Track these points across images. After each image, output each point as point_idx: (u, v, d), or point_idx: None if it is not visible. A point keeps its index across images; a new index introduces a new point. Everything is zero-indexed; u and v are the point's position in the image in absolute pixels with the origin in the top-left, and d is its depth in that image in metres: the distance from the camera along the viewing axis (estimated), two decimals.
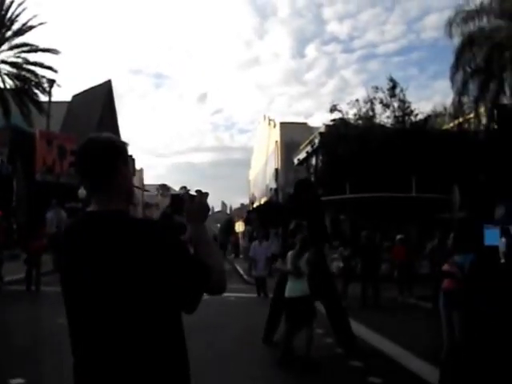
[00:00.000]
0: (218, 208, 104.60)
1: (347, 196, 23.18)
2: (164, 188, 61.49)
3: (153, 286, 2.07)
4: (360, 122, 28.64)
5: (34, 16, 34.04)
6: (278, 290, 9.91)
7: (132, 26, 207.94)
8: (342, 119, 28.58)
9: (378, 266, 15.93)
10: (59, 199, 26.08)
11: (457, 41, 24.46)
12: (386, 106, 28.62)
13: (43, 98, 34.70)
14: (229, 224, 66.76)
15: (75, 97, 47.50)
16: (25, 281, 16.56)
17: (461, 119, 25.90)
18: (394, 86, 28.33)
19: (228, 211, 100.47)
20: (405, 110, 28.43)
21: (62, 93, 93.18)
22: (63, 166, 34.60)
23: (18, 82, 34.25)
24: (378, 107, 28.87)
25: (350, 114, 28.81)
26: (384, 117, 28.99)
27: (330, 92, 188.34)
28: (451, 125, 27.62)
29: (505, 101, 24.04)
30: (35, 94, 34.51)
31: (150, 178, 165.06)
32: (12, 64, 34.13)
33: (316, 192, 13.08)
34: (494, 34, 22.82)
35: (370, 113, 28.84)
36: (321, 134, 31.34)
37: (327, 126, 29.94)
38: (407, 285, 16.46)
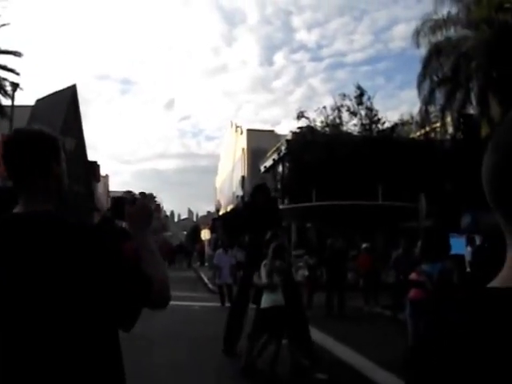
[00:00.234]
0: (184, 215, 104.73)
1: (313, 204, 22.99)
2: (129, 195, 60.85)
3: (80, 299, 1.78)
4: (327, 129, 28.55)
5: None
6: (238, 299, 9.63)
7: (99, 31, 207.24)
8: (308, 126, 28.44)
9: (344, 275, 15.80)
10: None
11: (424, 50, 24.57)
12: (353, 113, 28.55)
13: (6, 101, 34.02)
14: (195, 232, 66.36)
15: (39, 101, 46.83)
16: None
17: (427, 128, 26.00)
18: (361, 93, 28.31)
19: (194, 218, 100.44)
20: (372, 118, 28.44)
21: (26, 97, 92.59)
22: None
23: None
24: (346, 115, 28.81)
25: (318, 121, 28.72)
26: (351, 124, 28.96)
27: (298, 100, 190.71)
28: (418, 133, 27.71)
29: (471, 110, 24.17)
30: None
31: (116, 184, 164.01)
32: None
33: (273, 197, 12.94)
34: (461, 44, 22.90)
35: (337, 120, 28.76)
36: (287, 141, 31.19)
37: (294, 134, 29.78)
38: (373, 294, 16.31)
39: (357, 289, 16.63)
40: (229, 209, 50.56)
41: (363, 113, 28.55)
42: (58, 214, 1.98)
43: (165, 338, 9.79)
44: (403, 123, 28.50)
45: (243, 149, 51.02)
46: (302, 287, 13.96)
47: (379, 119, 28.54)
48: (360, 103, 28.37)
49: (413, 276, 7.84)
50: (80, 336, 1.79)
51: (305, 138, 27.87)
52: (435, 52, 23.92)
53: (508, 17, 21.56)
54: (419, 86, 24.63)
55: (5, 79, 33.69)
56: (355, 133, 28.66)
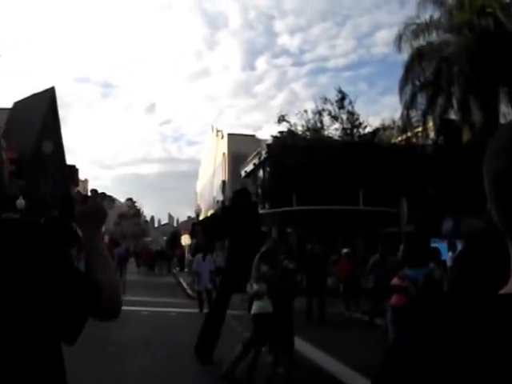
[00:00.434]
0: (164, 220, 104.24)
1: (294, 208, 22.80)
2: (108, 199, 60.46)
3: (16, 307, 1.52)
4: (308, 133, 28.36)
5: None
6: (217, 305, 9.35)
7: (79, 33, 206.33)
8: (289, 131, 28.22)
9: (324, 281, 15.59)
10: None
11: (406, 55, 24.55)
12: (335, 117, 28.42)
13: None
14: (175, 237, 65.98)
15: (17, 103, 46.49)
16: None
17: (409, 133, 25.94)
18: (342, 97, 28.16)
19: (175, 224, 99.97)
20: (353, 122, 28.31)
21: (4, 99, 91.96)
22: None
23: None
24: (327, 119, 28.65)
25: (299, 125, 28.52)
26: (332, 129, 28.80)
27: (280, 105, 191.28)
28: (399, 138, 27.64)
29: (452, 115, 24.18)
30: None
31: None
32: None
33: (254, 202, 12.81)
34: (443, 48, 22.90)
35: (319, 125, 28.57)
36: (268, 145, 30.97)
37: (274, 138, 29.53)
38: (353, 299, 16.12)
39: (337, 294, 16.42)
40: (209, 214, 50.29)
41: (344, 117, 28.42)
42: None
43: (139, 344, 9.47)
44: (385, 128, 28.42)
45: (224, 153, 50.84)
46: None
47: (360, 123, 28.44)
48: (341, 107, 28.22)
49: (395, 281, 7.60)
50: (15, 350, 1.50)
51: (285, 142, 27.67)
52: (417, 56, 23.90)
53: (490, 21, 21.53)
54: (401, 91, 24.61)
55: None
56: (336, 137, 28.53)
